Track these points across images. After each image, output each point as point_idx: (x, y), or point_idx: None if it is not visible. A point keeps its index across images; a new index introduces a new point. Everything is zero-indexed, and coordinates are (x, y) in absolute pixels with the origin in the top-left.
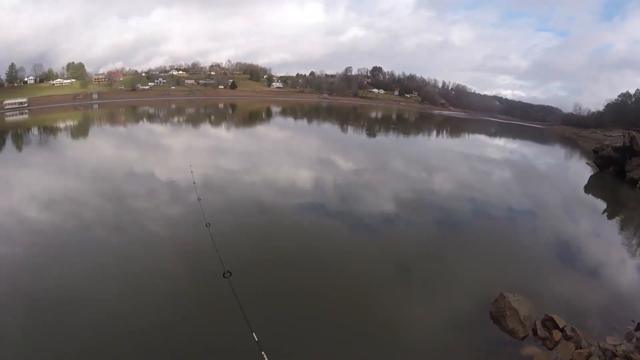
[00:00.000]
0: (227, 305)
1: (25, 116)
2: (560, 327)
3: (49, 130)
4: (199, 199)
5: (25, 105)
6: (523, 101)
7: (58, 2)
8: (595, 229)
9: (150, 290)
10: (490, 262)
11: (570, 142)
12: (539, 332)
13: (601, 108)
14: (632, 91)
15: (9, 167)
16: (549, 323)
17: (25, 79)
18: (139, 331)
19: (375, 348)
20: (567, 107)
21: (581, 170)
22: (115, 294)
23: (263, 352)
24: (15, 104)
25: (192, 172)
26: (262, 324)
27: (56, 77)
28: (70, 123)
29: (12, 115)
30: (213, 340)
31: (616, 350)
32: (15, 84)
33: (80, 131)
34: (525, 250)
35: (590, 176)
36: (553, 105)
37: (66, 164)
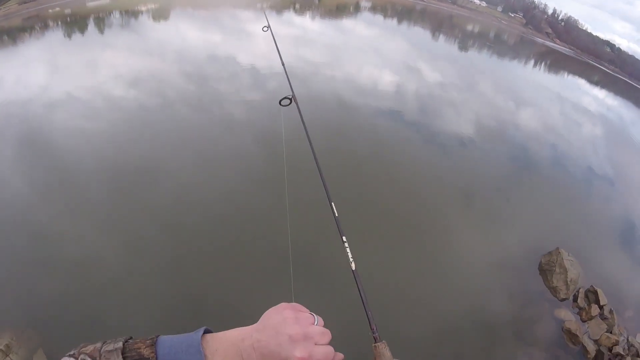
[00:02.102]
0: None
1: (107, 1)
2: (601, 304)
3: (130, 14)
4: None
5: None
6: (637, 57)
7: None
8: None
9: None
10: (555, 215)
11: None
12: (579, 300)
13: None
14: None
15: (93, 50)
16: (592, 295)
17: None
18: (208, 196)
19: (417, 262)
20: None
21: None
22: (192, 163)
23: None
24: None
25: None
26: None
27: None
28: (151, 6)
29: (94, 0)
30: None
31: None
32: None
33: (161, 15)
34: (594, 216)
35: None
36: None
37: (146, 46)
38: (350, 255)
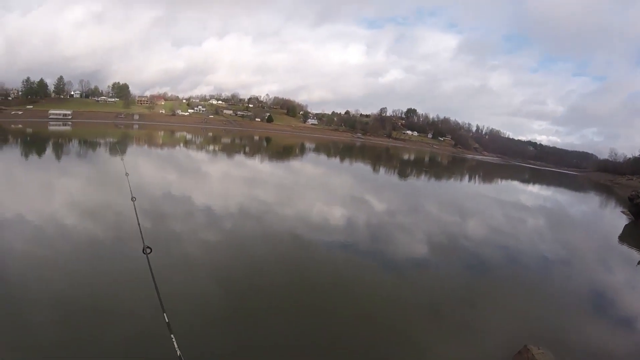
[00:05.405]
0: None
1: (68, 127)
2: None
3: (89, 144)
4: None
5: (69, 117)
6: (558, 147)
7: (121, 25)
8: (628, 281)
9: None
10: (519, 312)
11: (605, 190)
12: None
13: (637, 153)
14: None
15: (48, 173)
16: None
17: (72, 93)
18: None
19: None
20: (603, 153)
21: (616, 218)
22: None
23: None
24: (59, 114)
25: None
26: None
27: (101, 94)
28: (110, 139)
29: (56, 125)
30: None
31: None
32: (62, 96)
33: (118, 148)
34: (555, 300)
35: (625, 225)
36: (588, 151)
37: (101, 178)
38: None
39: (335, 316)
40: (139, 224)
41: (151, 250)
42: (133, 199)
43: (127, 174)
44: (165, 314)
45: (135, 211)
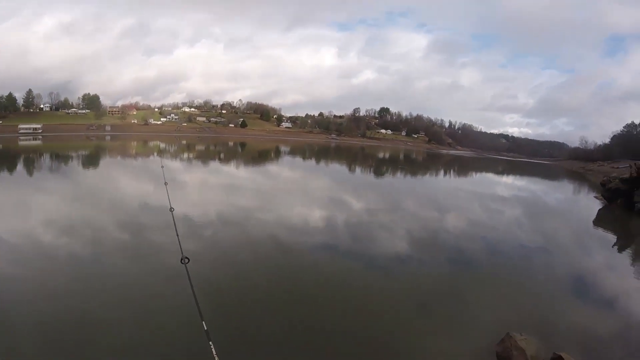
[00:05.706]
0: None
1: (39, 142)
2: None
3: (60, 158)
4: None
5: (40, 131)
6: (530, 138)
7: (91, 37)
8: (606, 263)
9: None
10: (501, 300)
11: (578, 177)
12: None
13: (607, 140)
14: (637, 121)
15: (18, 191)
16: None
17: (42, 106)
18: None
19: None
20: (574, 142)
21: (590, 204)
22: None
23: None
24: (29, 129)
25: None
26: None
27: (71, 106)
28: (81, 152)
29: (26, 140)
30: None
31: None
32: (31, 110)
33: (91, 161)
34: (535, 287)
35: (599, 209)
36: (560, 141)
37: (76, 192)
38: None
39: (320, 319)
40: (177, 235)
41: (189, 260)
42: (171, 209)
43: (166, 183)
44: (204, 322)
45: (174, 222)
